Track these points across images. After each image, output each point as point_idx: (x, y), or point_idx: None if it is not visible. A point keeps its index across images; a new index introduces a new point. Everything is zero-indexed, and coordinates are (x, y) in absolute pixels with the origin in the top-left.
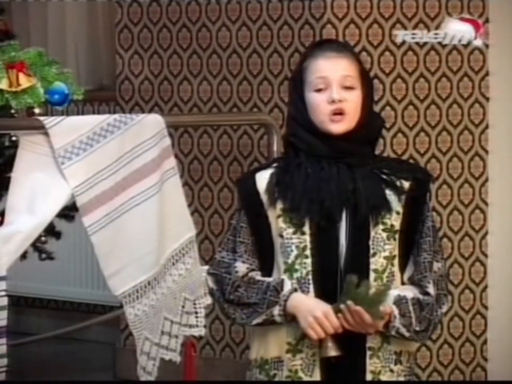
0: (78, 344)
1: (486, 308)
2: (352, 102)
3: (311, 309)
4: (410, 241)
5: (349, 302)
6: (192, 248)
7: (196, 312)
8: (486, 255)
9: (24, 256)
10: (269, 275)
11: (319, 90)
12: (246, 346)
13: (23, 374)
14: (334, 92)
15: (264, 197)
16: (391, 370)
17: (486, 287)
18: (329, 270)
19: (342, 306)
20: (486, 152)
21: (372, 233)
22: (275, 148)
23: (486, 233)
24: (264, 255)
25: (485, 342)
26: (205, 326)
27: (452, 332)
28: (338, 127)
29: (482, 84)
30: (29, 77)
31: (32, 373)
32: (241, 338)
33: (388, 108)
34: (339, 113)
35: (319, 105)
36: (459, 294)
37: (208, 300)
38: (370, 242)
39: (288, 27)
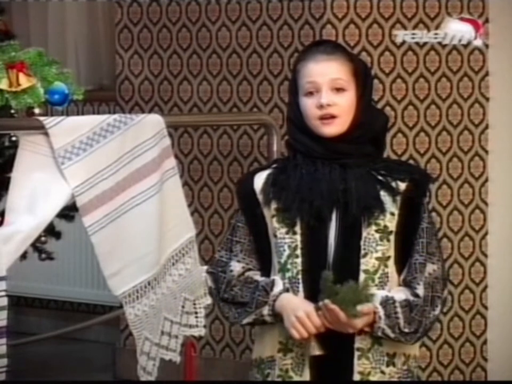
0: (78, 344)
1: (486, 308)
2: (343, 105)
3: (294, 308)
4: (406, 243)
5: (326, 301)
6: (192, 248)
7: (196, 312)
8: (486, 255)
9: (24, 256)
10: (268, 274)
11: (309, 94)
12: (246, 346)
13: (23, 374)
14: (322, 97)
15: (260, 197)
16: (382, 372)
17: (486, 287)
18: (318, 270)
19: (320, 304)
20: (486, 152)
21: (364, 234)
22: (275, 148)
23: (486, 233)
24: (262, 255)
25: (485, 342)
26: (205, 326)
27: (452, 332)
28: (329, 130)
29: (482, 84)
30: (29, 77)
31: (32, 373)
32: (241, 338)
33: (387, 108)
34: (329, 117)
35: (309, 109)
36: (459, 294)
37: (208, 300)
38: (362, 243)
39: (288, 27)
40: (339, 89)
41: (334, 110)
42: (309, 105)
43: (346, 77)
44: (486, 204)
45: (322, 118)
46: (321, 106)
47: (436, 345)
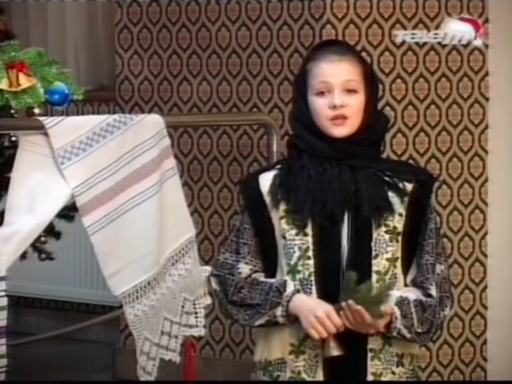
0: (78, 344)
1: (485, 308)
2: (354, 106)
3: (313, 308)
4: (413, 243)
5: (350, 301)
6: (192, 249)
7: (196, 312)
8: (485, 255)
9: (24, 256)
10: (273, 276)
11: (321, 94)
12: (246, 346)
13: (23, 374)
14: (335, 98)
15: (267, 198)
16: (393, 372)
17: (485, 287)
18: (331, 271)
19: (343, 304)
20: (486, 152)
21: (374, 235)
22: (275, 148)
23: (486, 233)
24: (268, 257)
25: (485, 342)
26: (204, 326)
27: (452, 332)
28: (340, 131)
29: (482, 84)
30: (29, 77)
31: (32, 373)
32: (241, 339)
33: (387, 108)
34: (341, 117)
35: (321, 109)
36: (459, 294)
37: (208, 300)
38: (373, 244)
39: (288, 27)
40: (350, 91)
41: (346, 111)
42: (320, 105)
43: (358, 78)
44: (485, 204)
45: (334, 118)
46: (334, 107)
47: (435, 345)
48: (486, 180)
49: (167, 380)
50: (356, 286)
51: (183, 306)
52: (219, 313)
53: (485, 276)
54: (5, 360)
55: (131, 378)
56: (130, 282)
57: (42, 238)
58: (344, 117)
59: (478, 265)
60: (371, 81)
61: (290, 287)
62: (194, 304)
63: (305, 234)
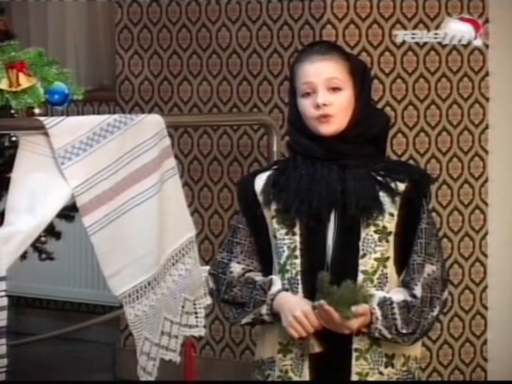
0: (78, 344)
1: (486, 308)
2: (339, 103)
3: (292, 308)
4: (406, 244)
5: (322, 301)
6: (192, 249)
7: (196, 313)
8: (486, 255)
9: (24, 256)
10: (269, 276)
11: (306, 94)
12: (246, 346)
13: (23, 374)
14: (318, 97)
15: (260, 198)
16: (381, 373)
17: (486, 287)
18: (317, 270)
19: (316, 304)
20: (486, 152)
21: (363, 235)
22: (275, 148)
23: (486, 233)
24: (264, 256)
25: (485, 342)
26: (204, 326)
27: (452, 332)
28: (326, 129)
29: (482, 84)
30: (29, 77)
31: (32, 373)
32: (241, 339)
33: (387, 108)
34: (325, 116)
35: (307, 110)
36: (459, 294)
37: (208, 300)
38: (360, 244)
39: (288, 27)
40: (335, 89)
41: (330, 110)
42: (306, 105)
43: (342, 75)
44: (486, 204)
45: (319, 117)
46: (317, 106)
47: (436, 345)
48: (486, 180)
49: (167, 380)
50: (330, 286)
51: (183, 307)
52: (219, 313)
53: (485, 276)
54: (5, 360)
55: (131, 378)
56: (130, 283)
57: (43, 238)
58: (328, 116)
59: (478, 265)
60: (362, 78)
61: (276, 286)
62: (194, 304)
63: (294, 234)
